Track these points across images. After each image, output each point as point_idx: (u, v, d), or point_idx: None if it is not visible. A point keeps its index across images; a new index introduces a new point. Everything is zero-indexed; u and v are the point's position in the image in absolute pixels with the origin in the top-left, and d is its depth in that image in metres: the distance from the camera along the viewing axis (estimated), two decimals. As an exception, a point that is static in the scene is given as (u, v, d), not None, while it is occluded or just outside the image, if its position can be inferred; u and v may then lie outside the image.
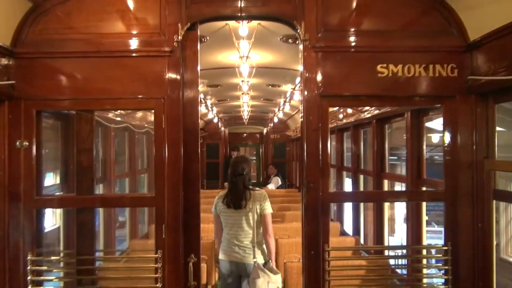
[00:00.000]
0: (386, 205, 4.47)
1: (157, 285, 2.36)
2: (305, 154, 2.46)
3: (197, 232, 2.46)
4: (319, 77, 2.46)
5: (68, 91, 2.40)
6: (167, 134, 2.41)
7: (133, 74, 2.41)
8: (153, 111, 2.46)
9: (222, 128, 13.05)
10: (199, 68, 2.49)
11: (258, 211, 3.40)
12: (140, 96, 2.43)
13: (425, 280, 3.06)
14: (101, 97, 2.41)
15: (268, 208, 3.44)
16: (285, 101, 8.26)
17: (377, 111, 4.26)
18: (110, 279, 2.55)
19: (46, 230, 3.28)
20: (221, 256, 3.49)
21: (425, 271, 3.02)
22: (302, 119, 2.51)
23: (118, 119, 4.17)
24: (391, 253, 3.61)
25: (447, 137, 2.46)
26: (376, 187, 4.33)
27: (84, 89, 2.40)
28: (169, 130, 2.41)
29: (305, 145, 2.46)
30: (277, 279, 3.22)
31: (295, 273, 3.49)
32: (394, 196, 2.78)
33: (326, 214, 2.45)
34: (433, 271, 2.82)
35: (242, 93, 7.35)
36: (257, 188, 3.65)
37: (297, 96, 6.71)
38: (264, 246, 3.46)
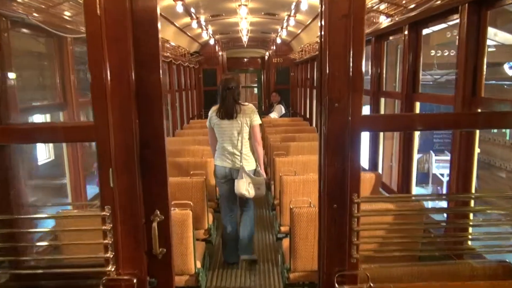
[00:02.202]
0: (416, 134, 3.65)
1: (108, 254, 1.60)
2: (326, 57, 1.56)
3: (162, 176, 1.65)
4: None
5: None
6: (106, 27, 1.49)
7: None
8: (81, -12, 1.52)
9: (220, 53, 11.87)
10: None
11: (248, 122, 3.84)
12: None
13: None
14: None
15: (257, 120, 3.90)
16: (289, 16, 7.09)
17: (409, 14, 3.26)
18: (40, 247, 1.80)
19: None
20: (216, 162, 4.01)
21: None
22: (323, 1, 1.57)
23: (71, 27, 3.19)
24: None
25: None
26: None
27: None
28: (109, 19, 1.49)
29: (327, 42, 1.55)
30: (259, 181, 3.85)
31: (305, 221, 2.77)
32: (466, 121, 1.77)
33: (356, 149, 1.61)
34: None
35: (239, 5, 6.20)
36: (246, 103, 3.96)
37: (304, 5, 5.58)
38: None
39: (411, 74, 3.45)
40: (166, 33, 6.83)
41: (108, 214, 1.59)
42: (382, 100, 4.51)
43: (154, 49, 1.57)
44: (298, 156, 4.62)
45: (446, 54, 8.78)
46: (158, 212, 1.65)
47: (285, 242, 3.38)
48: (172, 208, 2.80)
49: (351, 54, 1.55)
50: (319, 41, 1.63)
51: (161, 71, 1.59)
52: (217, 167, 4.01)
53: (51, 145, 7.31)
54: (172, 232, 1.69)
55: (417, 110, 3.50)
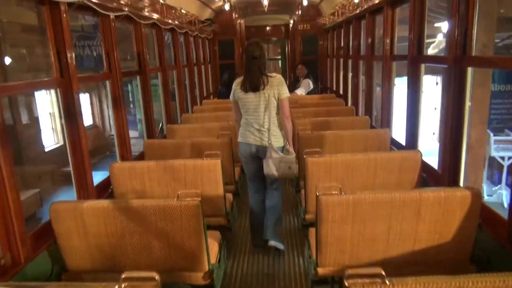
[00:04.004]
0: None
1: None
2: None
3: None
4: None
5: None
6: None
7: None
8: None
9: (237, 20, 10.38)
10: None
11: (276, 95, 3.44)
12: None
13: None
14: None
15: (286, 93, 3.49)
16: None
17: None
18: None
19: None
20: (240, 140, 3.63)
21: None
22: None
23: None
24: None
25: None
26: None
27: None
28: None
29: None
30: (290, 159, 3.44)
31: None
32: None
33: None
34: None
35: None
36: (273, 74, 3.54)
37: None
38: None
39: None
40: (165, -7, 5.45)
41: None
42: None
43: None
44: (338, 155, 3.25)
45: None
46: None
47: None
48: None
49: None
50: None
51: None
52: (241, 144, 3.63)
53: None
54: None
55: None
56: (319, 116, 5.39)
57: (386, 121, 4.75)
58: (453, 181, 3.04)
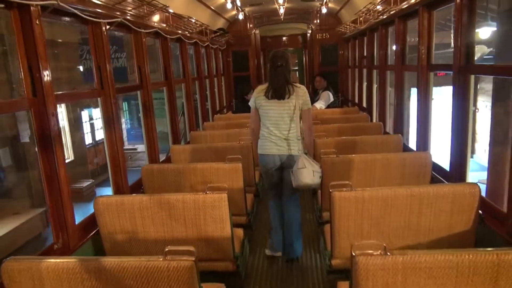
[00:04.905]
0: None
1: None
2: None
3: None
4: None
5: None
6: None
7: None
8: None
9: (252, 31, 9.86)
10: None
11: (301, 105, 3.38)
12: None
13: None
14: None
15: (309, 104, 3.47)
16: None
17: None
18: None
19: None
20: (261, 152, 3.51)
21: None
22: None
23: None
24: None
25: None
26: None
27: None
28: None
29: None
30: (318, 168, 3.30)
31: None
32: None
33: None
34: None
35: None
36: (298, 84, 3.45)
37: None
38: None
39: None
40: (173, 1, 4.95)
41: None
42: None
43: None
44: (373, 190, 2.59)
45: None
46: None
47: None
48: None
49: None
50: None
51: None
52: (263, 156, 3.50)
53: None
54: None
55: None
56: (343, 134, 4.76)
57: (423, 141, 4.08)
58: (525, 225, 2.36)
